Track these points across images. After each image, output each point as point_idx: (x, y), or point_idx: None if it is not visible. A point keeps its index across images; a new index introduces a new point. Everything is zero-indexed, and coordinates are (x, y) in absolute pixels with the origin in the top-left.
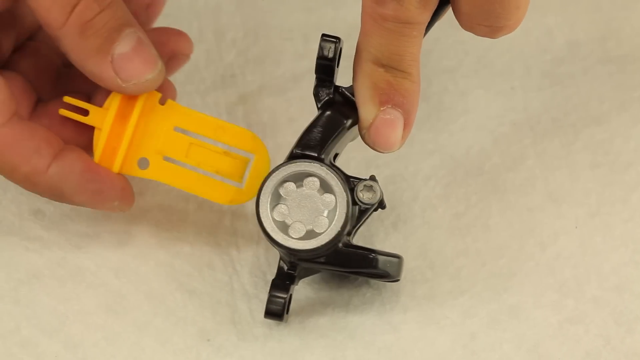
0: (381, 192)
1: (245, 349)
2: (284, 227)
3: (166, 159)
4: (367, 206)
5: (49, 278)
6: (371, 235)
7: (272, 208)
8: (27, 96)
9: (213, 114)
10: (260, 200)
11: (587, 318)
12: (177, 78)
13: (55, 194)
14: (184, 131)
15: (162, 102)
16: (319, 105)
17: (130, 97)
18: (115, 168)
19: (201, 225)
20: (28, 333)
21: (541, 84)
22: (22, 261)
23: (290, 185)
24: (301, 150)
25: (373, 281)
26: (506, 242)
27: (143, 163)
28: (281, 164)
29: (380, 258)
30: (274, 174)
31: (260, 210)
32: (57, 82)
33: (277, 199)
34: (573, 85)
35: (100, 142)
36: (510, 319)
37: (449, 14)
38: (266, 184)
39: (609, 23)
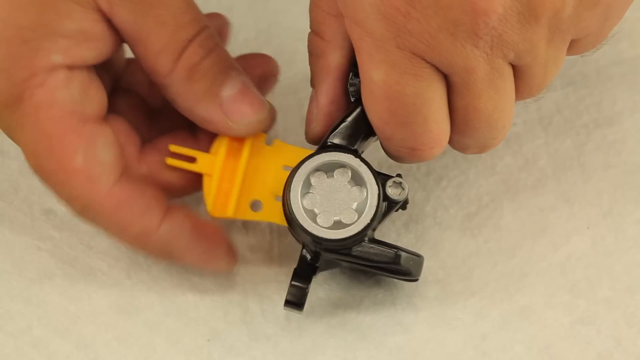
0: (408, 190)
1: (257, 349)
2: (312, 216)
3: (278, 199)
4: (394, 202)
5: (60, 278)
6: (383, 236)
7: (302, 196)
8: (133, 140)
9: None
10: (292, 187)
11: (599, 319)
12: None
13: (165, 253)
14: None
15: (269, 142)
16: (353, 99)
17: (237, 141)
18: (230, 213)
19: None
20: (39, 333)
21: (554, 84)
22: (34, 261)
23: (321, 175)
24: (335, 140)
25: (384, 282)
26: (518, 243)
27: (256, 205)
28: (314, 153)
29: (404, 255)
30: (307, 161)
31: (291, 197)
32: (151, 123)
33: (306, 187)
34: (586, 86)
35: (212, 189)
36: (521, 319)
37: None
38: (299, 171)
39: (622, 24)
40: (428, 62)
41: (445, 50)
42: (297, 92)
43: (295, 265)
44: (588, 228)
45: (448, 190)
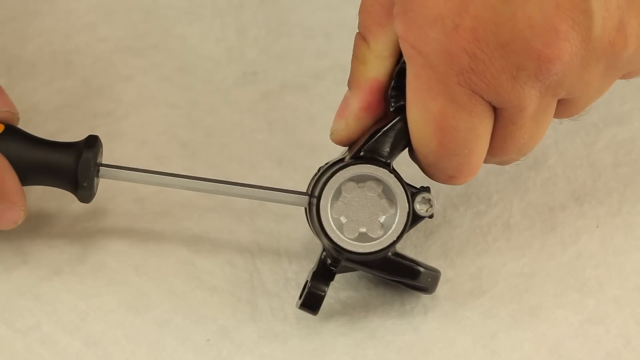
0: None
1: (266, 347)
2: (339, 225)
3: None
4: (421, 218)
5: (69, 275)
6: None
7: (332, 205)
8: None
9: (234, 112)
10: (323, 196)
11: (608, 318)
12: (199, 76)
13: None
14: None
15: None
16: (392, 109)
17: None
18: None
19: (222, 222)
20: (49, 329)
21: None
22: (44, 258)
23: (353, 185)
24: (370, 153)
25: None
26: (527, 242)
27: None
28: (349, 163)
29: (423, 271)
30: (342, 171)
31: (321, 205)
32: None
33: (337, 196)
34: None
35: None
36: (530, 318)
37: None
38: (332, 179)
39: None
40: (485, 100)
41: (504, 89)
42: (306, 89)
43: (305, 263)
44: (597, 227)
45: (457, 188)
